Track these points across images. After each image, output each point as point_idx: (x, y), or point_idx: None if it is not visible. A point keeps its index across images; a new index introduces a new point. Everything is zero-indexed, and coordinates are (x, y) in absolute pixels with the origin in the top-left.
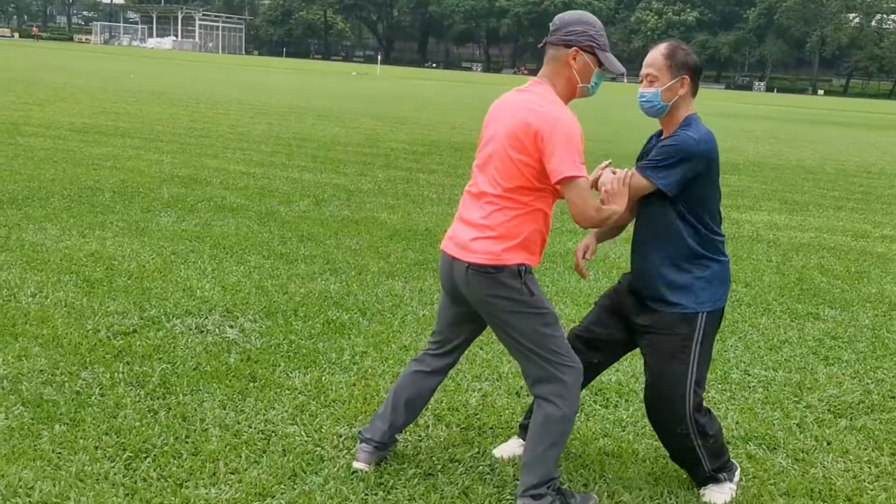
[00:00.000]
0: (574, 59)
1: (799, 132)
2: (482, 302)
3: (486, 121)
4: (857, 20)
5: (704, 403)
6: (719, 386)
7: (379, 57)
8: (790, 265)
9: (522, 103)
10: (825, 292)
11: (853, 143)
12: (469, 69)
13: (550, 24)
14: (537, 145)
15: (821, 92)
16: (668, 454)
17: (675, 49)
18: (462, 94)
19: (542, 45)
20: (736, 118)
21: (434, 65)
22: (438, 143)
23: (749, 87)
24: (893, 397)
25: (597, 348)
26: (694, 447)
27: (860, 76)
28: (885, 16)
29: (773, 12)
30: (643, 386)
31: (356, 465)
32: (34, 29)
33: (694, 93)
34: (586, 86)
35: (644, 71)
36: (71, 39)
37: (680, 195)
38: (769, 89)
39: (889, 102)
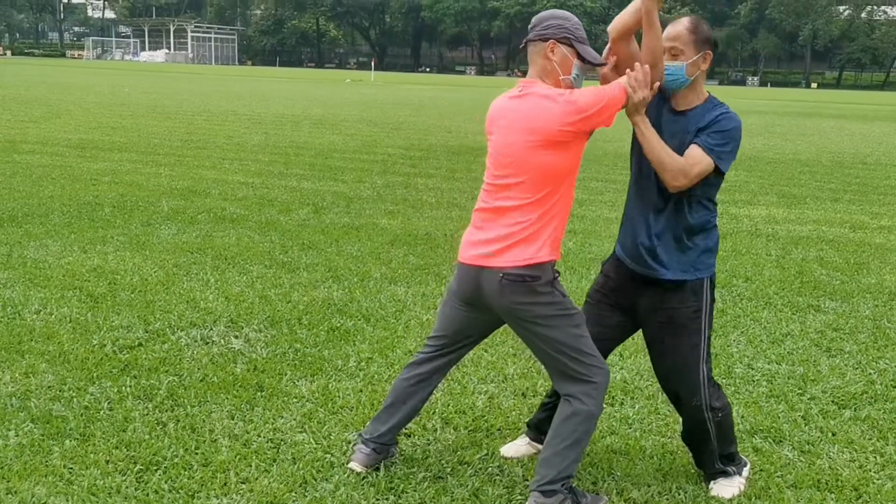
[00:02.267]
0: (552, 51)
1: (793, 125)
2: (512, 310)
3: (488, 129)
4: (847, 12)
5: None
6: (724, 380)
7: (373, 63)
8: (790, 258)
9: (534, 104)
10: (825, 284)
11: (848, 135)
12: (462, 72)
13: (529, 25)
14: (568, 127)
15: (814, 85)
16: (677, 447)
17: (700, 23)
18: (457, 98)
19: (522, 45)
20: None
21: (428, 69)
22: (435, 147)
23: (742, 82)
24: None
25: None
26: (705, 419)
27: (853, 68)
28: (875, 7)
29: (765, 7)
30: (649, 382)
31: (351, 465)
32: None
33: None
34: (568, 77)
35: (667, 44)
36: (63, 55)
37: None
38: (762, 84)
39: (882, 94)
